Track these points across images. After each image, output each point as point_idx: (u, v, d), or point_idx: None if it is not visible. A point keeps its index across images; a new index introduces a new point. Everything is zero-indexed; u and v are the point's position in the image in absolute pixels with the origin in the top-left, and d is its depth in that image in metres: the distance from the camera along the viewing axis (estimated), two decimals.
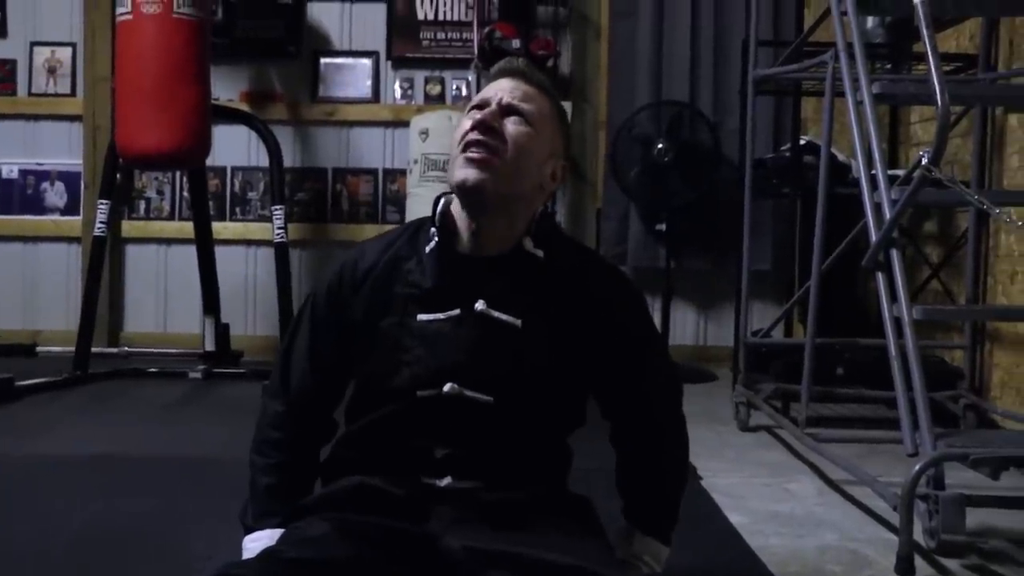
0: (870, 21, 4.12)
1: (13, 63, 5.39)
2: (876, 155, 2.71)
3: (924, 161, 2.29)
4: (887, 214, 2.57)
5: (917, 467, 2.27)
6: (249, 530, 1.72)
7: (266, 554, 1.53)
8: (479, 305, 1.59)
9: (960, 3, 2.93)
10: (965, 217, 3.98)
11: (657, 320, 5.10)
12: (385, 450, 1.64)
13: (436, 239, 1.63)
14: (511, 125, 1.60)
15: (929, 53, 2.32)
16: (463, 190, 1.58)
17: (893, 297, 2.53)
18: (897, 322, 2.52)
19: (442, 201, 1.66)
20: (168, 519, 2.51)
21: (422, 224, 1.70)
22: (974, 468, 2.31)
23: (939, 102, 2.27)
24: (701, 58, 5.28)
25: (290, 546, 1.53)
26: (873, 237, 2.65)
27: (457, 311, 1.60)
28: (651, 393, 1.77)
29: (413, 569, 1.55)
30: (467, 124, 1.60)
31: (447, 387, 1.58)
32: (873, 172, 2.70)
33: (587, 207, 5.39)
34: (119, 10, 4.15)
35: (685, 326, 5.44)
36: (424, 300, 1.62)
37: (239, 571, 1.49)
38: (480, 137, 1.57)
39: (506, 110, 1.61)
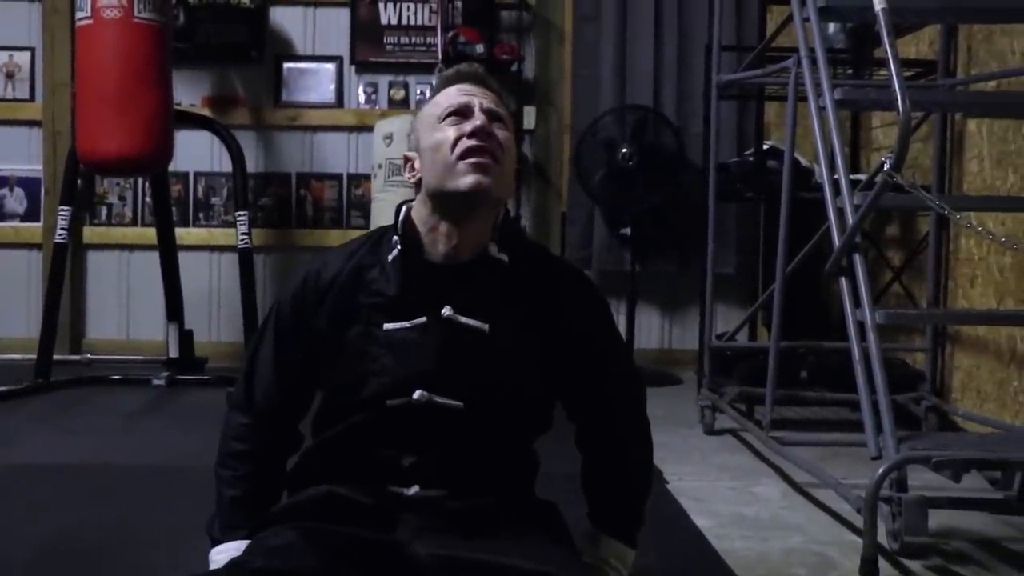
0: (831, 27, 4.15)
1: None
2: (839, 160, 2.74)
3: (886, 167, 2.32)
4: (850, 219, 2.59)
5: (881, 470, 2.29)
6: (216, 542, 1.72)
7: (232, 564, 1.53)
8: (446, 311, 1.59)
9: (920, 11, 2.96)
10: (926, 221, 4.03)
11: (622, 324, 5.12)
12: (352, 460, 1.64)
13: (399, 247, 1.63)
14: (499, 131, 1.62)
15: (890, 60, 2.34)
16: (471, 196, 1.57)
17: (856, 302, 2.56)
18: (860, 326, 2.55)
19: (403, 209, 1.66)
20: (134, 529, 2.49)
21: (384, 232, 1.69)
22: (936, 471, 2.33)
23: (901, 108, 2.30)
24: (664, 62, 5.31)
25: (256, 556, 1.52)
26: (836, 242, 2.67)
27: (423, 319, 1.60)
28: (615, 397, 1.78)
29: None
30: (452, 132, 1.59)
31: (416, 395, 1.58)
32: (836, 177, 2.73)
33: (552, 211, 5.40)
34: (79, 14, 4.09)
35: (650, 330, 5.46)
36: (389, 308, 1.61)
37: None
38: (483, 144, 1.58)
39: (491, 115, 1.62)
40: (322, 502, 1.62)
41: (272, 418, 1.72)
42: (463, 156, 1.57)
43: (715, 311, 4.25)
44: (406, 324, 1.60)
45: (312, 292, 1.67)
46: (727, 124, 5.00)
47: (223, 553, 1.67)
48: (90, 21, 4.02)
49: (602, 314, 1.78)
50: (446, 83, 1.67)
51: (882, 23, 2.41)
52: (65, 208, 4.43)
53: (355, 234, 5.21)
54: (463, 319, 1.60)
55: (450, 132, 1.59)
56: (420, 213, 1.64)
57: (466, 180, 1.56)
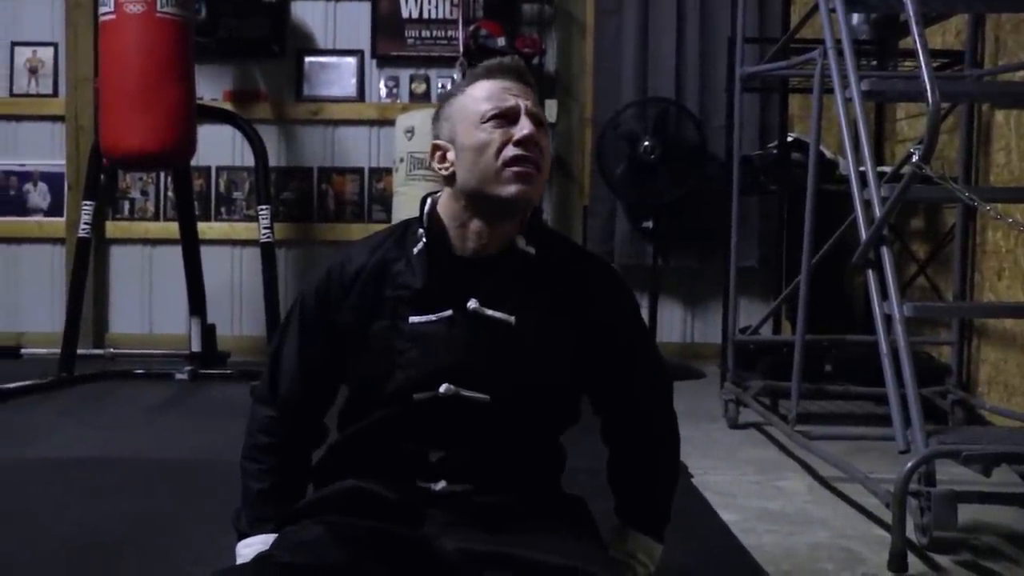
0: (855, 17, 4.12)
1: None
2: (865, 152, 2.71)
3: (915, 158, 2.29)
4: (877, 211, 2.57)
5: (910, 464, 2.28)
6: (243, 535, 1.71)
7: (260, 559, 1.53)
8: (471, 304, 1.58)
9: (949, 1, 2.92)
10: (952, 213, 3.99)
11: (644, 317, 5.10)
12: (379, 454, 1.64)
13: (424, 240, 1.62)
14: (541, 137, 1.60)
15: (920, 50, 2.32)
16: (513, 204, 1.57)
17: (884, 294, 2.53)
18: (888, 319, 2.52)
19: (428, 201, 1.65)
20: (158, 523, 2.49)
21: (409, 225, 1.68)
22: (966, 465, 2.31)
23: (930, 100, 2.27)
24: (687, 55, 5.28)
25: (284, 550, 1.52)
26: (863, 234, 2.65)
27: (449, 311, 1.59)
28: (643, 390, 1.76)
29: (408, 572, 1.54)
30: (499, 136, 1.56)
31: (443, 388, 1.57)
32: (862, 169, 2.71)
33: (574, 205, 5.38)
34: (102, 10, 4.11)
35: (672, 323, 5.44)
36: (414, 301, 1.60)
37: None
38: (528, 154, 1.57)
39: (535, 120, 1.59)
40: (348, 496, 1.61)
41: (296, 410, 1.71)
42: (509, 163, 1.56)
43: (738, 304, 4.22)
44: (432, 317, 1.59)
45: (336, 285, 1.65)
46: (750, 117, 4.97)
47: (250, 547, 1.66)
48: (113, 16, 4.03)
49: (629, 306, 1.76)
50: (487, 75, 1.62)
51: (911, 13, 2.38)
52: (88, 203, 4.45)
53: (377, 228, 5.21)
54: (489, 312, 1.59)
55: (496, 136, 1.57)
56: (450, 208, 1.62)
57: (510, 189, 1.55)
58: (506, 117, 1.57)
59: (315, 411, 1.74)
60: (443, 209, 1.63)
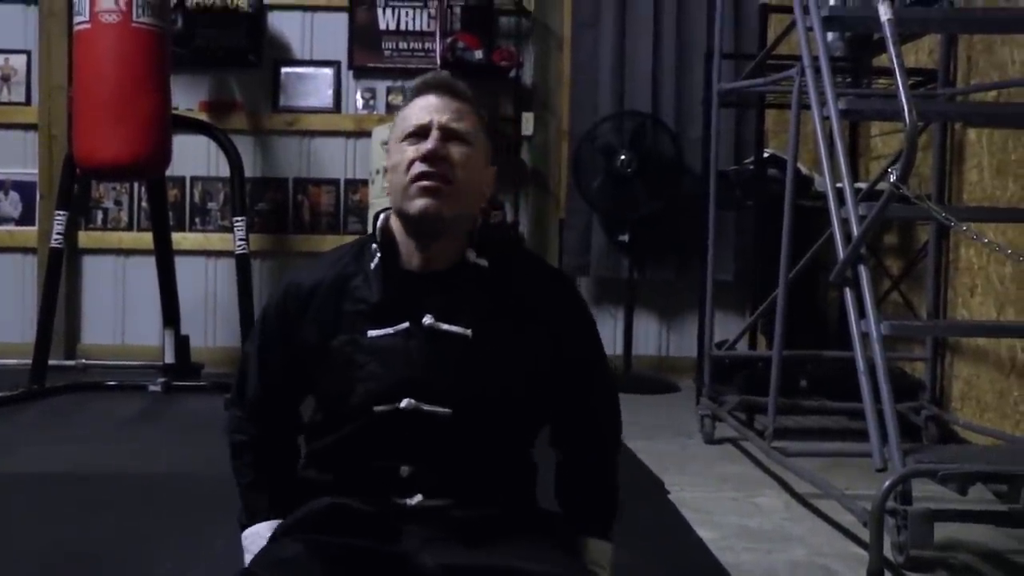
0: (830, 35, 4.16)
1: None
2: (843, 170, 2.73)
3: (892, 178, 2.31)
4: (854, 230, 2.58)
5: (887, 483, 2.29)
6: (243, 527, 1.73)
7: (242, 574, 1.53)
8: (427, 319, 1.59)
9: (925, 20, 2.96)
10: (925, 230, 4.03)
11: (619, 331, 5.13)
12: (351, 470, 1.63)
13: (379, 255, 1.64)
14: (455, 149, 1.60)
15: (897, 71, 2.34)
16: (421, 219, 1.59)
17: (861, 312, 2.55)
18: (865, 337, 2.54)
19: (381, 217, 1.67)
20: (133, 539, 2.47)
21: (366, 241, 1.70)
22: (943, 484, 2.32)
23: (907, 120, 2.29)
24: (663, 68, 5.30)
25: (264, 568, 1.52)
26: (840, 252, 2.66)
27: (406, 324, 1.60)
28: (594, 397, 1.77)
29: None
30: (411, 152, 1.59)
31: (404, 403, 1.58)
32: (839, 186, 2.72)
33: (550, 217, 5.38)
34: (77, 19, 4.08)
35: (648, 337, 5.45)
36: (372, 315, 1.62)
37: None
38: (431, 169, 1.58)
39: (447, 134, 1.60)
40: (326, 514, 1.61)
41: (262, 409, 1.74)
42: (414, 179, 1.58)
43: (713, 318, 4.23)
44: (389, 331, 1.60)
45: (294, 300, 1.66)
46: (726, 131, 4.99)
47: (250, 538, 1.70)
48: (88, 26, 4.00)
49: (583, 317, 1.77)
50: (415, 94, 1.65)
51: (888, 34, 2.40)
52: (61, 213, 4.41)
53: (352, 239, 5.24)
54: (444, 326, 1.60)
55: (408, 153, 1.59)
56: (396, 223, 1.66)
57: (415, 204, 1.58)
58: (420, 134, 1.60)
59: (280, 409, 1.76)
60: (393, 225, 1.66)
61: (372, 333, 1.60)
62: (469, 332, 1.60)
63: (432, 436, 1.59)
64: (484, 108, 1.72)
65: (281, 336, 1.68)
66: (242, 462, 1.74)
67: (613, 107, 5.23)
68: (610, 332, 5.14)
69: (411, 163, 1.59)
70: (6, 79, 5.28)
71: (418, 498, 1.59)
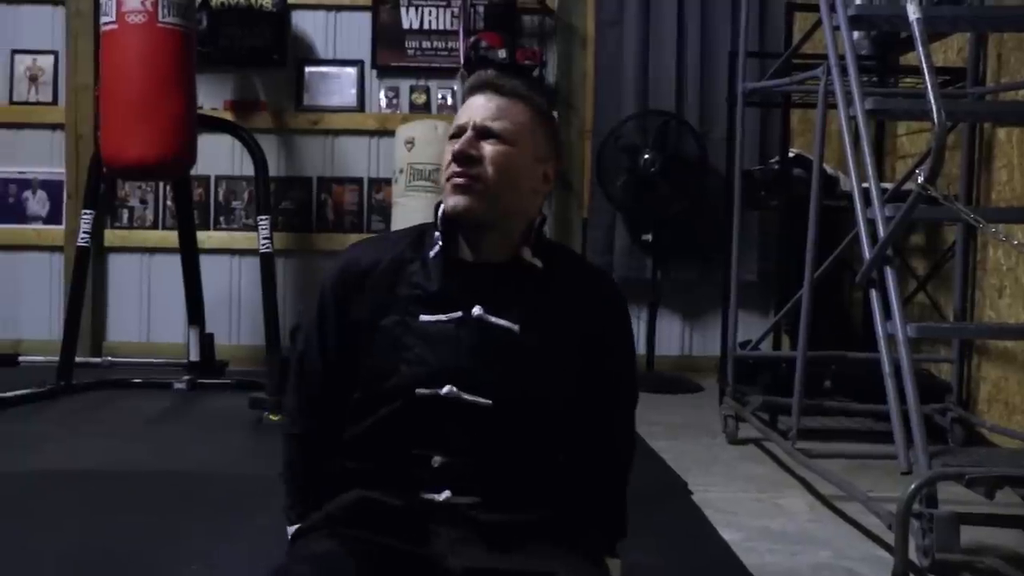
0: (856, 34, 4.13)
1: None
2: (869, 170, 2.71)
3: (920, 179, 2.29)
4: (880, 231, 2.56)
5: (913, 486, 2.27)
6: (292, 523, 1.74)
7: (274, 571, 1.55)
8: (476, 310, 1.61)
9: (955, 19, 2.93)
10: (952, 231, 3.99)
11: (642, 331, 5.11)
12: (383, 458, 1.64)
13: (440, 244, 1.67)
14: (489, 147, 1.62)
15: (926, 71, 2.32)
16: (453, 217, 1.63)
17: (887, 314, 2.53)
18: (891, 339, 2.52)
19: (443, 207, 1.68)
20: (160, 537, 2.49)
21: (425, 229, 1.72)
22: (969, 487, 2.30)
23: (936, 121, 2.27)
24: (687, 67, 5.29)
25: (298, 563, 1.55)
26: (867, 254, 2.65)
27: (459, 313, 1.62)
28: (617, 411, 1.78)
29: None
30: (450, 153, 1.64)
31: (446, 389, 1.59)
32: (865, 186, 2.70)
33: (573, 216, 5.38)
34: (103, 19, 4.09)
35: (671, 336, 5.43)
36: (427, 302, 1.64)
37: None
38: (459, 168, 1.62)
39: (481, 132, 1.63)
40: (355, 509, 1.63)
41: (321, 394, 1.73)
42: (448, 178, 1.64)
43: (737, 318, 4.22)
44: (442, 317, 1.62)
45: (352, 275, 1.69)
46: (751, 131, 4.96)
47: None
48: (115, 26, 4.01)
49: (626, 328, 1.78)
50: (466, 95, 1.71)
51: (916, 33, 2.38)
52: (88, 212, 4.43)
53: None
54: (493, 319, 1.62)
55: (448, 152, 1.65)
56: None
57: (448, 201, 1.63)
58: (458, 135, 1.65)
59: (336, 400, 1.72)
60: None
61: (424, 318, 1.62)
62: (517, 328, 1.62)
63: (468, 427, 1.60)
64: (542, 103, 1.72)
65: (337, 308, 1.70)
66: (294, 460, 1.76)
67: (637, 106, 5.22)
68: (633, 332, 5.11)
69: (449, 163, 1.64)
70: (34, 79, 5.32)
71: (446, 494, 1.58)
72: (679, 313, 5.46)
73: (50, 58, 5.32)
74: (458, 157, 1.62)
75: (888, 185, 3.96)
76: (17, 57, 5.32)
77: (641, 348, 5.05)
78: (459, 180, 1.61)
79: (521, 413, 1.63)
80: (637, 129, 5.04)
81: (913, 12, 2.35)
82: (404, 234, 1.76)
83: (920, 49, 2.36)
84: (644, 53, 5.28)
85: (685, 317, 5.47)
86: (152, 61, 4.02)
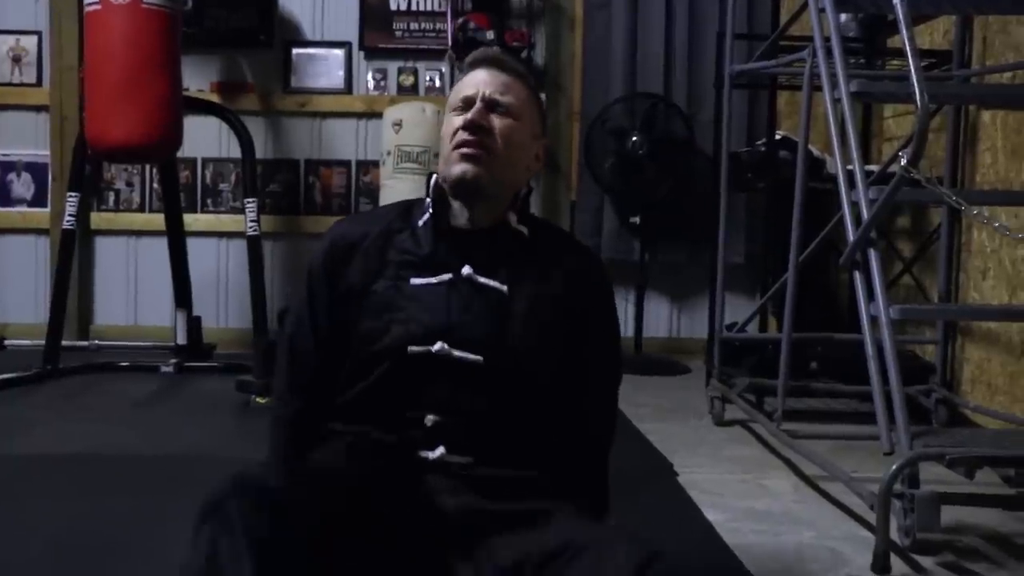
0: (843, 16, 4.13)
1: None
2: (853, 152, 2.71)
3: (903, 161, 2.30)
4: (864, 214, 2.57)
5: (894, 467, 2.29)
6: None
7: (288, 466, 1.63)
8: (465, 270, 1.67)
9: (938, 2, 2.93)
10: (938, 213, 4.01)
11: (630, 313, 5.12)
12: (376, 420, 1.66)
13: (430, 211, 1.72)
14: (497, 120, 1.70)
15: (909, 54, 2.32)
16: (461, 184, 1.68)
17: (871, 296, 2.54)
18: (874, 320, 2.53)
19: (434, 178, 1.74)
20: (148, 521, 2.48)
21: (412, 204, 1.79)
22: (950, 468, 2.32)
23: (919, 104, 2.28)
24: (675, 49, 5.28)
25: (295, 478, 1.60)
26: (850, 236, 2.65)
27: (449, 275, 1.68)
28: (596, 389, 1.80)
29: (409, 521, 1.56)
30: (456, 122, 1.69)
31: (437, 346, 1.63)
32: (850, 168, 2.71)
33: (561, 199, 5.38)
34: (87, 1, 4.07)
35: (658, 318, 5.45)
36: (418, 265, 1.69)
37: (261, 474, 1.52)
38: (471, 137, 1.67)
39: (490, 105, 1.70)
40: (351, 450, 1.66)
41: (313, 375, 1.75)
42: (455, 147, 1.68)
43: (724, 300, 4.23)
44: (432, 279, 1.68)
45: (340, 250, 1.74)
46: (738, 113, 4.96)
47: None
48: (99, 7, 3.99)
49: (610, 310, 1.83)
50: (468, 69, 1.76)
51: (900, 16, 2.38)
52: (73, 195, 4.41)
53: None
54: (482, 279, 1.68)
55: (455, 123, 1.70)
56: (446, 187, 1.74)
57: (455, 169, 1.68)
58: (466, 106, 1.71)
59: (326, 378, 1.74)
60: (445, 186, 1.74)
61: (415, 280, 1.68)
62: (505, 288, 1.68)
63: (460, 385, 1.64)
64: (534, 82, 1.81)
65: (327, 282, 1.74)
66: (282, 443, 1.78)
67: (625, 88, 5.22)
68: (621, 314, 5.02)
69: (455, 132, 1.69)
70: (17, 60, 5.29)
71: (440, 451, 1.61)
72: (667, 295, 5.48)
73: (34, 39, 5.28)
74: (470, 126, 1.67)
75: (874, 167, 3.97)
76: (0, 38, 5.28)
77: (629, 330, 5.06)
78: (469, 149, 1.67)
79: (511, 370, 1.67)
80: (625, 111, 5.04)
81: None
82: (390, 208, 1.83)
83: (904, 32, 2.36)
84: (632, 34, 5.27)
85: (673, 299, 5.49)
86: (137, 42, 4.00)
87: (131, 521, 2.48)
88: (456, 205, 1.72)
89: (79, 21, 4.83)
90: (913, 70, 2.33)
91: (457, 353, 1.63)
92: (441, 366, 1.63)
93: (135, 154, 4.21)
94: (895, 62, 4.15)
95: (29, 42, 5.28)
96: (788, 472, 3.15)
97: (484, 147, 1.68)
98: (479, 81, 1.72)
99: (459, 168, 1.67)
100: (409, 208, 1.78)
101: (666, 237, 5.26)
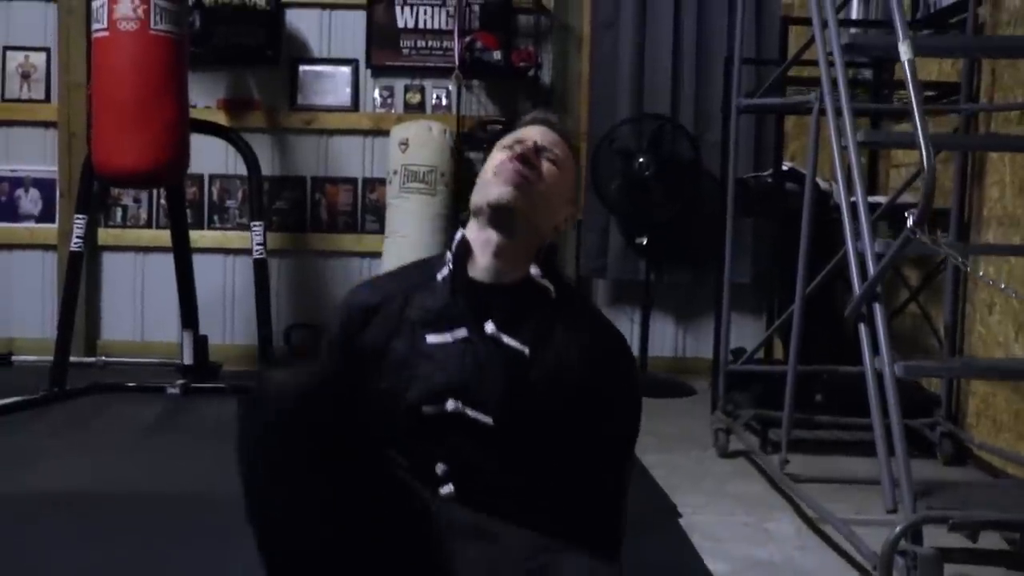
0: (852, 30, 4.11)
1: None
2: (860, 202, 2.70)
3: (910, 222, 2.30)
4: (870, 267, 2.57)
5: (898, 529, 2.29)
6: None
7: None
8: (489, 327, 1.67)
9: (947, 49, 2.94)
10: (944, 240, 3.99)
11: (636, 333, 5.12)
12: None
13: (450, 264, 1.73)
14: (544, 162, 1.73)
15: (916, 115, 2.31)
16: (498, 207, 1.69)
17: (875, 351, 2.54)
18: (879, 377, 2.53)
19: (460, 232, 1.75)
20: (152, 566, 2.49)
21: (434, 259, 1.81)
22: (953, 531, 2.32)
23: (926, 166, 2.27)
24: (683, 70, 5.27)
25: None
26: (856, 287, 2.65)
27: (464, 331, 1.68)
28: (611, 448, 1.76)
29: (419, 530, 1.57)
30: (503, 155, 1.72)
31: (451, 405, 1.64)
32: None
33: None
34: (95, 26, 4.08)
35: (664, 338, 5.45)
36: (433, 322, 1.70)
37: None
38: (519, 166, 1.70)
39: (539, 149, 1.74)
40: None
41: None
42: (501, 169, 1.71)
43: (730, 322, 4.21)
44: (447, 336, 1.68)
45: (358, 311, 1.75)
46: (745, 136, 4.94)
47: None
48: (107, 33, 4.00)
49: (630, 391, 1.79)
50: (525, 124, 1.83)
51: (908, 74, 2.37)
52: (81, 217, 4.42)
53: (370, 239, 5.23)
54: (505, 338, 1.67)
55: (501, 155, 1.73)
56: (471, 232, 1.74)
57: (495, 191, 1.69)
58: (516, 144, 1.74)
59: None
60: (469, 235, 1.75)
61: (431, 338, 1.68)
62: (526, 351, 1.67)
63: (471, 441, 1.65)
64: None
65: (341, 350, 1.75)
66: None
67: (632, 108, 5.21)
68: (627, 334, 5.08)
69: (500, 163, 1.72)
70: (26, 76, 5.29)
71: (449, 487, 1.64)
72: (672, 315, 5.48)
73: (42, 55, 5.30)
74: (520, 157, 1.70)
75: (881, 199, 3.96)
76: (9, 54, 5.31)
77: (635, 351, 5.05)
78: (516, 176, 1.68)
79: (522, 433, 1.66)
80: (632, 132, 5.03)
81: (905, 52, 2.35)
82: (411, 267, 1.85)
83: (912, 91, 2.35)
84: (640, 54, 5.26)
85: (678, 319, 5.49)
86: (144, 68, 4.03)
87: (138, 567, 2.48)
88: (484, 249, 1.71)
89: (87, 38, 4.84)
90: (919, 129, 2.32)
91: (471, 412, 1.64)
92: (454, 422, 1.65)
93: (143, 180, 4.24)
94: (903, 92, 4.12)
95: (38, 59, 5.30)
96: (791, 514, 3.14)
97: (528, 178, 1.70)
98: (533, 131, 1.78)
99: (501, 190, 1.68)
100: (431, 264, 1.79)
101: (672, 258, 5.26)
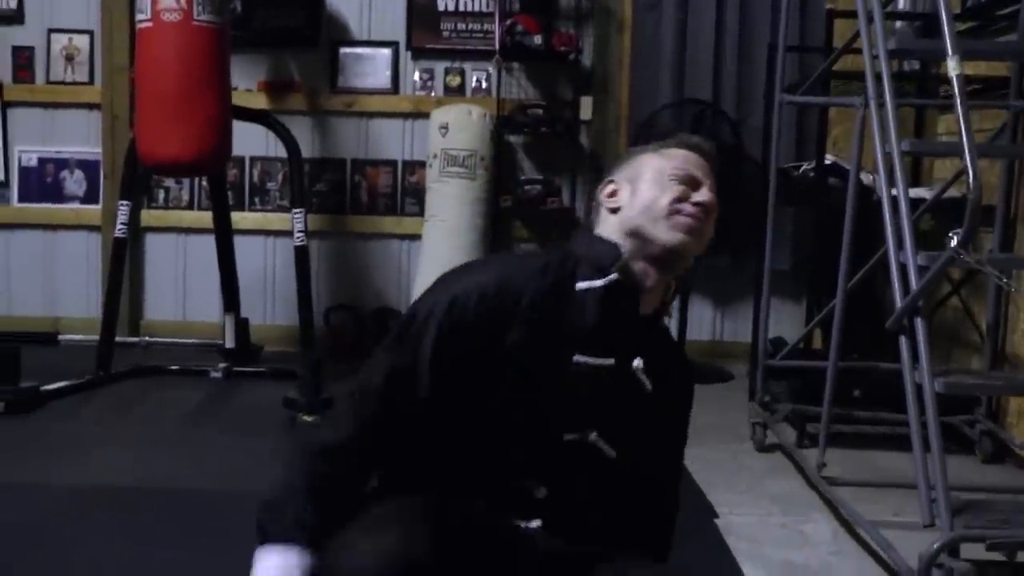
0: (898, 23, 4.05)
1: (31, 50, 5.34)
2: (903, 209, 2.68)
3: (953, 242, 2.28)
4: (912, 280, 2.56)
5: (935, 547, 2.30)
6: (268, 540, 1.55)
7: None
8: (637, 363, 1.66)
9: (996, 53, 2.88)
10: (989, 237, 3.95)
11: (675, 316, 5.11)
12: (481, 481, 1.63)
13: (605, 285, 1.63)
14: (713, 214, 1.68)
15: (963, 135, 2.29)
16: (675, 252, 1.64)
17: (915, 364, 2.53)
18: (919, 390, 2.53)
19: (624, 252, 1.65)
20: (192, 567, 2.53)
21: (567, 257, 1.68)
22: (991, 551, 2.33)
23: (971, 186, 2.25)
24: (725, 54, 5.22)
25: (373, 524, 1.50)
26: (898, 299, 2.64)
27: (612, 361, 1.64)
28: (675, 466, 1.84)
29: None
30: (678, 191, 1.63)
31: (592, 436, 1.63)
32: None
33: None
34: (139, 16, 4.10)
35: (702, 322, 5.45)
36: (585, 343, 1.62)
37: None
38: (701, 216, 1.64)
39: (712, 204, 1.68)
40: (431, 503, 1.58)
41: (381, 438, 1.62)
42: (678, 212, 1.63)
43: (769, 309, 4.19)
44: (598, 362, 1.63)
45: (496, 309, 1.60)
46: (787, 124, 4.86)
47: (270, 562, 1.53)
48: (150, 24, 4.02)
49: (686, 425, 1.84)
50: (676, 144, 1.73)
51: (956, 90, 2.34)
52: (125, 203, 4.48)
53: (410, 221, 5.26)
54: (643, 376, 1.67)
55: (676, 190, 1.64)
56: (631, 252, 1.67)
57: (677, 236, 1.63)
58: (689, 183, 1.66)
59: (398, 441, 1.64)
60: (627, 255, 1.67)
61: (580, 360, 1.62)
62: (650, 387, 1.67)
63: (585, 470, 1.66)
64: None
65: (470, 341, 1.58)
66: (321, 469, 1.58)
67: (673, 92, 5.17)
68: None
69: (678, 200, 1.64)
70: (70, 59, 5.34)
71: (537, 522, 1.62)
72: (711, 299, 5.47)
73: (86, 38, 5.33)
74: (708, 206, 1.64)
75: (923, 192, 3.93)
76: (53, 36, 5.34)
77: (673, 334, 5.05)
78: (696, 225, 1.63)
79: (636, 467, 1.69)
80: (673, 117, 4.99)
81: (954, 68, 2.31)
82: (533, 261, 1.69)
83: (959, 108, 2.32)
84: (682, 38, 5.21)
85: (716, 303, 5.48)
86: (187, 60, 4.05)
87: (177, 568, 2.53)
88: (638, 267, 1.63)
89: (130, 21, 4.87)
90: (967, 148, 2.29)
91: (602, 445, 1.64)
92: (583, 450, 1.64)
93: (186, 169, 4.27)
94: (948, 86, 4.06)
95: (81, 41, 5.33)
96: (828, 515, 3.15)
97: (702, 230, 1.66)
98: (699, 165, 1.69)
99: (680, 236, 1.62)
100: (559, 265, 1.66)
101: (711, 242, 5.21)
